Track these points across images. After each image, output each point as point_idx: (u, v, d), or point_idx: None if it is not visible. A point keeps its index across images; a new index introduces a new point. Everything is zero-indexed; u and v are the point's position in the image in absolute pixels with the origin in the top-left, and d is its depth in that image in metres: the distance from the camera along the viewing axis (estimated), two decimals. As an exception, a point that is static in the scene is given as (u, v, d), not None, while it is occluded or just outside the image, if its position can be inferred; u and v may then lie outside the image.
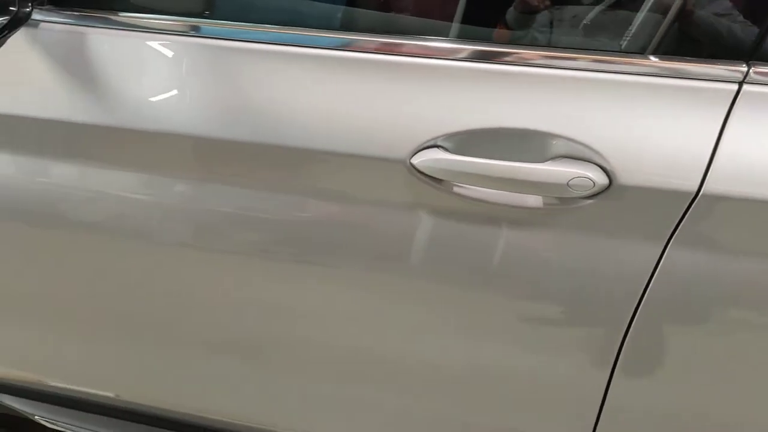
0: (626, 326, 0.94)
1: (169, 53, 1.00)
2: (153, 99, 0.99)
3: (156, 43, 1.00)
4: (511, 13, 1.09)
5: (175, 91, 0.98)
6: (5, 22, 0.90)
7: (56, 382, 1.36)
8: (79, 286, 1.16)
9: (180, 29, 1.00)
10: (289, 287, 1.03)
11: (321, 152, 0.93)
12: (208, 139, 0.96)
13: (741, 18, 1.04)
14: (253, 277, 1.04)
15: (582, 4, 1.13)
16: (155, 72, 1.00)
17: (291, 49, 0.95)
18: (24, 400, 1.40)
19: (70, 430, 1.37)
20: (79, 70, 0.99)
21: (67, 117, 0.99)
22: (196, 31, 1.00)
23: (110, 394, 1.33)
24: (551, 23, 1.08)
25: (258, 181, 0.98)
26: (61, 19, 1.00)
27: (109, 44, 1.00)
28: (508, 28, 1.12)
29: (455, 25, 1.03)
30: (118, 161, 1.02)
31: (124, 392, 1.31)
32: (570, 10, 1.12)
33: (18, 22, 0.92)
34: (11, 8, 0.91)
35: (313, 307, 1.03)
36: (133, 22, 1.01)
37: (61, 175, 1.06)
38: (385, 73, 0.92)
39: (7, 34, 0.91)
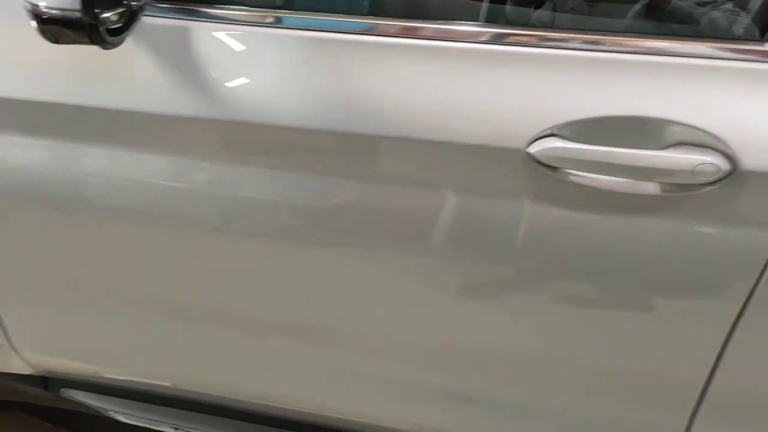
0: (737, 314, 0.95)
1: (275, 46, 0.99)
2: (260, 91, 0.98)
3: (258, 36, 1.00)
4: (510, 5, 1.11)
5: (283, 84, 0.98)
6: (121, 18, 0.87)
7: (129, 375, 1.36)
8: (151, 277, 1.16)
9: (281, 22, 1.00)
10: (400, 279, 1.04)
11: (437, 143, 0.93)
12: (324, 132, 0.96)
13: (728, 6, 1.06)
14: (370, 272, 1.04)
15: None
16: (262, 65, 0.99)
17: (409, 42, 0.95)
18: (96, 395, 1.40)
19: (148, 424, 1.37)
20: (184, 64, 0.98)
21: (172, 111, 0.99)
22: (298, 24, 0.99)
23: (168, 384, 1.33)
24: (554, 10, 1.09)
25: (371, 173, 0.98)
26: (162, 14, 0.99)
27: (211, 38, 0.99)
28: (508, 22, 1.12)
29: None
30: (224, 154, 1.01)
31: (189, 381, 1.32)
32: (571, 0, 1.13)
33: (134, 15, 0.90)
34: (124, 1, 0.88)
35: (433, 297, 1.03)
36: (233, 16, 1.00)
37: (167, 169, 1.05)
38: (503, 63, 0.92)
39: (128, 30, 0.89)
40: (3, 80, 1.05)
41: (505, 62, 0.92)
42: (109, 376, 1.38)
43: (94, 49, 0.90)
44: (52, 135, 1.07)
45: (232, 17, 1.00)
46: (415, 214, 0.98)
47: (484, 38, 0.93)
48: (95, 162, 1.06)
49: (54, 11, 0.79)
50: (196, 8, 1.00)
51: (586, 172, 0.90)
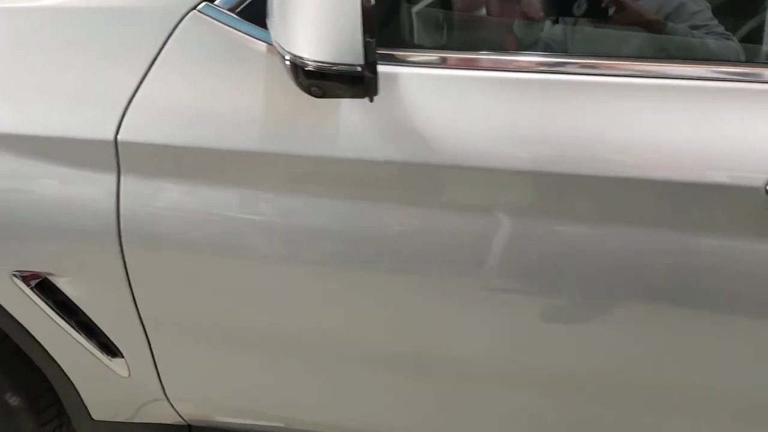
0: None
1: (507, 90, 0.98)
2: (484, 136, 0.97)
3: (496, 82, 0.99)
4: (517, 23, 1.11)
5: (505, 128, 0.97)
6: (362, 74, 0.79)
7: (280, 422, 1.33)
8: (308, 324, 1.13)
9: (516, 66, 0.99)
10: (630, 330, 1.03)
11: (663, 183, 0.92)
12: (544, 174, 0.95)
13: (720, 29, 1.07)
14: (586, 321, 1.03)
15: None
16: (489, 110, 0.97)
17: (621, 81, 0.94)
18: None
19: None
20: (398, 111, 0.96)
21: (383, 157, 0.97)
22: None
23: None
24: (564, 33, 1.10)
25: (586, 214, 0.97)
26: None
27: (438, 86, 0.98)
28: (515, 38, 1.14)
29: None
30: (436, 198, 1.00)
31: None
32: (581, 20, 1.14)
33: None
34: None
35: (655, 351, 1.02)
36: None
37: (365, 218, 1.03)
38: (740, 100, 0.92)
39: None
40: (195, 129, 1.03)
41: (741, 99, 0.92)
42: (262, 423, 1.34)
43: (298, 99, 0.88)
44: (222, 182, 1.05)
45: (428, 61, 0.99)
46: (642, 253, 0.96)
47: (715, 75, 0.93)
48: (272, 208, 1.05)
49: (327, 65, 0.77)
50: (395, 53, 0.99)
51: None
